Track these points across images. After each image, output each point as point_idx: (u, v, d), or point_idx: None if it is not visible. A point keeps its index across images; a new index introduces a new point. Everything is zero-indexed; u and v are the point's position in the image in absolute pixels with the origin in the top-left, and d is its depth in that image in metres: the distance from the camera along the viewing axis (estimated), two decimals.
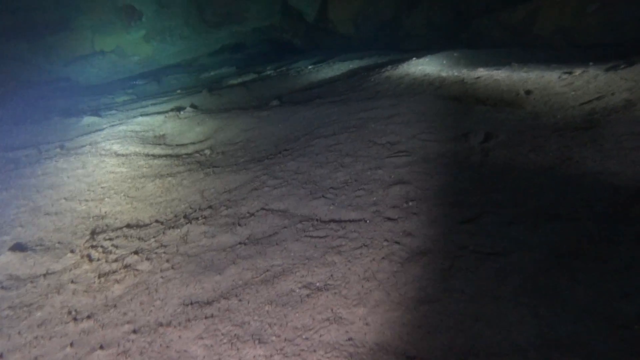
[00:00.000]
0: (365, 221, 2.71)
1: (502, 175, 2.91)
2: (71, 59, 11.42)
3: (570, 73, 4.30)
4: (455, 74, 5.53)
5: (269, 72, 10.58)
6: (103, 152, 4.69)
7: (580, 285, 1.82)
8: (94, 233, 2.89)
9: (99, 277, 2.34)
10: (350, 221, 2.75)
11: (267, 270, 2.34)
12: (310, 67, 9.72)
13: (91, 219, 3.14)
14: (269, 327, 1.89)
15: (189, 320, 1.93)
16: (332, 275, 2.22)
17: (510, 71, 5.07)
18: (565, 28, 5.58)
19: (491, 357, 1.61)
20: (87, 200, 3.45)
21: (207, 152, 4.80)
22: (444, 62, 6.52)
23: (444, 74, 5.66)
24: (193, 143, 5.21)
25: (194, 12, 11.71)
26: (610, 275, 1.82)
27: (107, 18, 10.97)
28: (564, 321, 1.68)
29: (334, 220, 2.79)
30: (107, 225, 3.03)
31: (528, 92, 4.29)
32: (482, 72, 5.23)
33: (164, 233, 2.85)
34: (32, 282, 2.37)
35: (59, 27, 10.62)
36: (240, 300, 2.08)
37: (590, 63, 4.55)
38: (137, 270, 2.39)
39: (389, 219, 2.69)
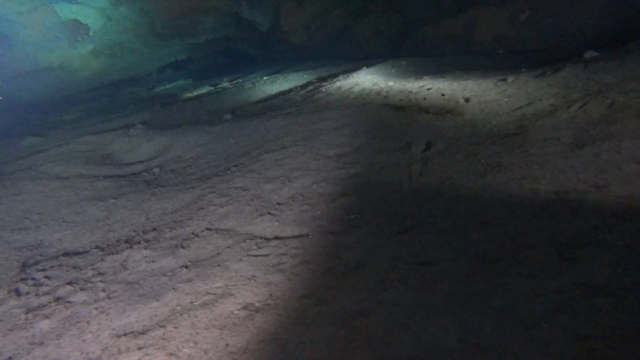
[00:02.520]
0: (308, 236, 2.75)
1: (439, 184, 3.03)
2: (13, 75, 10.89)
3: (504, 80, 4.54)
4: (402, 83, 5.71)
5: (224, 84, 10.51)
6: (43, 176, 4.50)
7: (499, 289, 1.92)
8: (25, 265, 2.77)
9: (26, 312, 2.24)
10: (293, 237, 2.78)
11: (208, 294, 2.32)
12: (265, 78, 9.74)
13: (24, 249, 3.00)
14: (204, 353, 1.87)
15: (120, 352, 1.89)
16: (271, 295, 2.24)
17: (452, 79, 5.28)
18: (501, 35, 5.90)
19: None
20: (21, 229, 3.29)
21: (156, 170, 4.70)
22: (393, 70, 6.71)
23: (391, 83, 5.83)
24: (141, 162, 5.09)
25: (145, 25, 11.47)
26: (526, 278, 1.94)
27: (50, 33, 10.55)
28: (483, 325, 1.77)
29: (277, 237, 2.81)
30: (41, 255, 2.91)
31: (467, 100, 4.50)
32: (426, 81, 5.42)
33: (102, 260, 2.77)
34: None
35: None
36: (176, 327, 2.05)
37: (523, 69, 4.83)
38: (69, 302, 2.31)
39: (331, 233, 2.74)
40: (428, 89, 5.04)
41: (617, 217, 2.10)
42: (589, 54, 4.48)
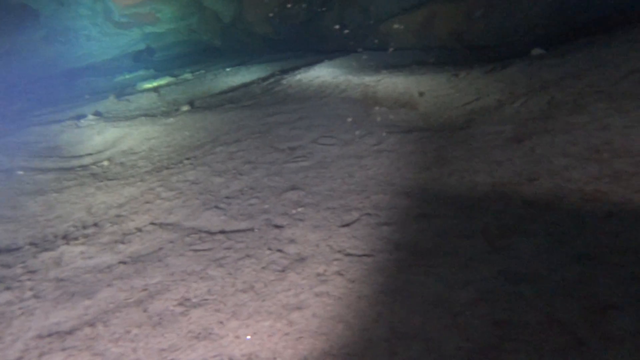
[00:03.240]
0: (254, 230, 2.72)
1: (386, 177, 3.06)
2: None
3: (456, 75, 4.63)
4: (361, 76, 5.73)
5: (186, 75, 10.23)
6: None
7: (432, 279, 1.97)
8: None
9: None
10: (238, 231, 2.74)
11: (144, 290, 2.26)
12: (228, 69, 9.54)
13: None
14: (132, 352, 1.82)
15: (42, 354, 1.81)
16: (209, 290, 2.20)
17: (409, 73, 5.35)
18: (457, 31, 6.02)
19: (347, 357, 1.68)
20: None
21: (105, 163, 4.53)
22: (353, 64, 6.73)
23: (350, 76, 5.84)
24: (90, 154, 4.89)
25: (101, 12, 10.98)
26: (458, 268, 1.99)
27: None
28: (413, 314, 1.80)
29: (222, 232, 2.76)
30: None
31: (421, 94, 4.56)
32: (384, 75, 5.47)
33: (34, 257, 2.64)
34: None
35: None
36: (106, 325, 1.98)
37: (475, 65, 4.95)
38: None
39: (277, 226, 2.72)
40: (384, 83, 5.08)
41: (542, 208, 2.19)
42: (536, 51, 4.63)
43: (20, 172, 4.11)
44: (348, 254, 2.31)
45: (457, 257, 2.07)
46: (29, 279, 2.38)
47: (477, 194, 2.54)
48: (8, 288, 2.30)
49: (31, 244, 2.88)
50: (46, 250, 2.72)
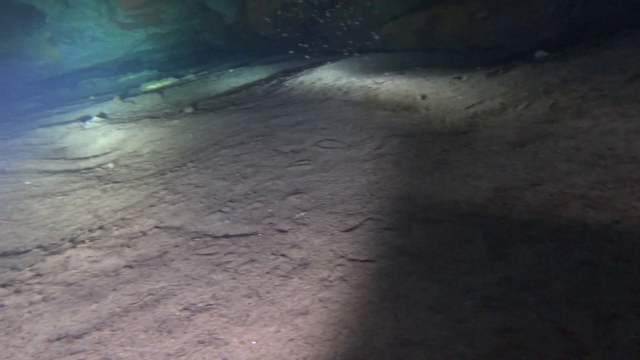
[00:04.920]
0: (257, 234, 2.74)
1: (388, 181, 3.08)
2: None
3: (459, 78, 4.64)
4: (363, 78, 5.74)
5: (189, 76, 10.26)
6: None
7: (435, 286, 1.98)
8: None
9: None
10: (242, 235, 2.76)
11: (150, 294, 2.28)
12: (231, 70, 9.57)
13: None
14: (140, 356, 1.85)
15: (52, 358, 1.84)
16: (214, 295, 2.22)
17: (411, 76, 5.36)
18: (460, 33, 6.02)
19: None
20: None
21: (110, 165, 4.56)
22: (356, 66, 6.74)
23: (353, 78, 5.85)
24: (95, 156, 4.93)
25: (106, 13, 11.03)
26: (460, 274, 2.01)
27: (3, 18, 9.99)
28: (417, 321, 1.82)
29: (226, 236, 2.79)
30: None
31: (424, 97, 4.57)
32: (386, 77, 5.48)
33: (43, 260, 2.67)
34: None
35: None
36: (113, 330, 2.01)
37: (478, 67, 4.95)
38: (0, 306, 2.22)
39: (280, 231, 2.74)
40: (387, 86, 5.09)
41: (546, 214, 2.20)
42: (539, 54, 4.63)
43: (28, 175, 4.15)
44: (351, 259, 2.32)
45: (460, 264, 2.09)
46: (37, 283, 2.41)
47: (479, 199, 2.55)
48: (18, 291, 2.34)
49: (39, 246, 2.92)
50: (54, 253, 2.75)
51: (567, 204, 2.25)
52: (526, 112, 3.49)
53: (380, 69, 6.13)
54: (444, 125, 3.91)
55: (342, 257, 2.36)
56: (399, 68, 5.95)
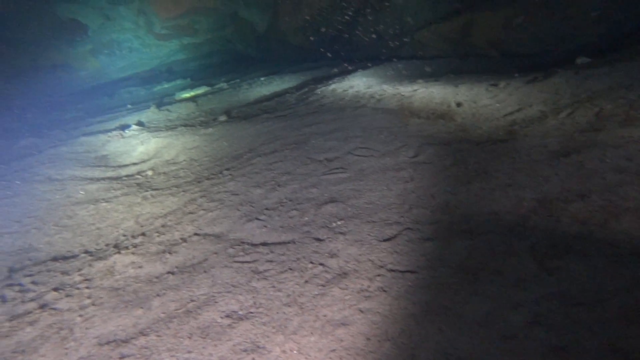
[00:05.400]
0: (295, 243, 2.76)
1: (426, 191, 3.04)
2: (12, 75, 10.90)
3: (496, 85, 4.54)
4: (396, 86, 5.71)
5: (221, 85, 10.49)
6: (37, 178, 4.52)
7: (480, 299, 1.94)
8: (12, 270, 2.79)
9: (10, 320, 2.26)
10: (280, 243, 2.79)
11: (192, 301, 2.34)
12: (262, 78, 9.73)
13: (13, 254, 3.02)
14: None
15: None
16: (255, 303, 2.25)
17: (446, 83, 5.29)
18: (495, 39, 5.90)
19: None
20: (11, 233, 3.31)
21: (149, 172, 4.71)
22: (388, 73, 6.72)
23: (385, 86, 5.84)
24: (135, 163, 5.10)
25: (143, 25, 11.48)
26: (506, 288, 1.95)
27: (50, 33, 10.56)
28: (463, 336, 1.78)
29: (264, 244, 2.82)
30: (29, 260, 2.93)
31: (459, 104, 4.50)
32: (419, 84, 5.43)
33: (90, 265, 2.79)
34: None
35: None
36: (159, 335, 2.07)
37: (515, 74, 4.83)
38: (54, 309, 2.33)
39: (317, 239, 2.75)
40: (420, 93, 5.05)
41: (596, 227, 2.11)
42: (580, 60, 4.48)
43: (74, 182, 4.34)
44: (391, 270, 2.30)
45: (505, 277, 2.03)
46: (86, 287, 2.51)
47: (523, 211, 2.48)
48: (69, 295, 2.44)
49: (86, 252, 3.04)
50: (100, 259, 2.86)
51: (619, 217, 2.16)
52: (569, 121, 3.38)
53: (413, 76, 6.08)
54: (481, 133, 3.84)
55: (381, 267, 2.34)
56: (432, 75, 5.89)
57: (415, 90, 5.24)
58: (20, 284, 2.60)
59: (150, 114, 7.63)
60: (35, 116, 9.60)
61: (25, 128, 8.01)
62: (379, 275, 2.28)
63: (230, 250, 2.79)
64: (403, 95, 5.18)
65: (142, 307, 2.30)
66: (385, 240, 2.57)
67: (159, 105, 8.43)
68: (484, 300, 1.91)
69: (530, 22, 5.51)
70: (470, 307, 1.90)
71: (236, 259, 2.69)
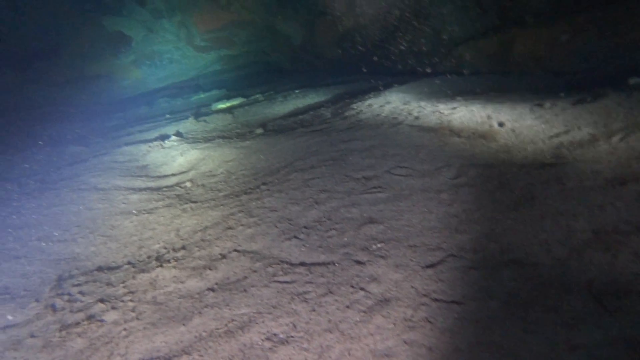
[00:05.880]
0: (334, 264, 2.74)
1: (469, 215, 2.96)
2: (60, 84, 11.49)
3: (540, 105, 4.40)
4: (434, 103, 5.63)
5: (257, 96, 10.66)
6: (83, 187, 4.70)
7: (533, 338, 1.85)
8: (61, 279, 2.89)
9: (60, 330, 2.33)
10: (319, 264, 2.77)
11: (233, 320, 2.34)
12: (297, 91, 9.82)
13: (62, 262, 3.14)
14: None
15: None
16: (295, 326, 2.23)
17: (486, 101, 5.17)
18: (539, 56, 5.74)
19: None
20: (60, 241, 3.45)
21: (188, 184, 4.82)
22: (425, 89, 6.64)
23: (423, 102, 5.76)
24: (174, 175, 5.23)
25: (183, 37, 11.88)
26: (562, 327, 1.85)
27: (97, 45, 11.09)
28: None
29: (303, 264, 2.81)
30: (77, 269, 3.03)
31: (501, 124, 4.38)
32: (459, 102, 5.33)
33: (133, 277, 2.85)
34: None
35: (48, 54, 10.72)
36: (201, 355, 2.08)
37: (561, 94, 4.66)
38: (101, 321, 2.39)
39: (358, 262, 2.71)
40: (460, 111, 4.95)
41: None
42: (633, 81, 4.28)
43: (117, 191, 4.49)
44: (435, 299, 2.24)
45: (560, 314, 1.93)
46: (130, 300, 2.57)
47: (576, 242, 2.36)
48: (114, 308, 2.51)
49: (129, 263, 3.12)
50: (143, 271, 2.93)
51: None
52: (622, 146, 3.21)
53: (451, 93, 5.98)
54: (526, 155, 3.71)
55: (425, 295, 2.28)
56: (472, 92, 5.78)
57: (455, 107, 5.14)
58: (69, 294, 2.69)
59: (188, 125, 7.83)
60: (80, 124, 10.07)
61: (70, 136, 8.40)
62: (423, 305, 2.22)
63: (270, 269, 2.79)
64: (442, 112, 5.10)
65: (184, 324, 2.33)
66: (428, 267, 2.50)
67: (197, 116, 8.65)
68: (539, 339, 1.82)
69: (577, 39, 5.33)
70: (523, 346, 1.81)
71: (275, 278, 2.68)
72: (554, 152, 3.57)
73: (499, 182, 3.31)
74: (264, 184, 4.32)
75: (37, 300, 2.66)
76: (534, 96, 4.90)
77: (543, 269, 2.23)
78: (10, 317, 2.53)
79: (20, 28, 10.40)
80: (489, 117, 4.61)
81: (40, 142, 7.61)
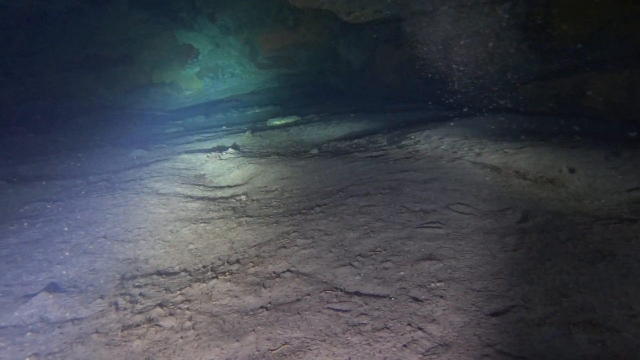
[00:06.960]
0: (390, 298, 2.66)
1: (537, 264, 2.79)
2: (129, 89, 12.27)
3: (618, 154, 4.14)
4: (498, 140, 5.47)
5: (312, 116, 10.83)
6: (146, 190, 4.93)
7: None
8: (123, 278, 3.00)
9: (122, 329, 2.41)
10: (374, 296, 2.71)
11: (286, 343, 2.32)
12: (352, 115, 9.90)
13: (124, 262, 3.27)
14: None
15: None
16: (350, 359, 2.17)
17: (555, 144, 4.94)
18: (615, 103, 5.44)
19: None
20: (123, 241, 3.61)
21: (243, 197, 4.92)
22: (487, 125, 6.47)
23: (485, 139, 5.61)
24: (230, 186, 5.37)
25: (247, 53, 12.39)
26: None
27: (166, 55, 11.80)
28: None
29: (358, 293, 2.76)
30: (137, 270, 3.15)
31: (572, 170, 4.16)
32: (524, 142, 5.14)
33: (190, 286, 2.92)
34: (60, 327, 2.48)
35: (121, 61, 11.52)
36: None
37: None
38: (159, 326, 2.45)
39: (415, 299, 2.63)
40: (527, 152, 4.76)
41: None
42: None
43: (177, 198, 4.66)
44: (501, 352, 2.11)
45: None
46: (187, 308, 2.62)
47: None
48: (172, 314, 2.56)
49: (185, 270, 3.20)
50: (199, 280, 2.99)
51: None
52: None
53: (516, 132, 5.79)
54: (600, 207, 3.49)
55: (489, 346, 2.15)
56: (539, 133, 5.56)
57: (520, 148, 4.95)
58: (130, 294, 2.79)
59: (244, 138, 8.07)
60: (142, 128, 10.66)
61: (131, 140, 8.89)
62: (487, 356, 2.09)
63: (323, 295, 2.76)
64: (506, 152, 4.92)
65: (238, 340, 2.34)
66: (492, 315, 2.37)
67: (253, 130, 8.91)
68: None
69: None
70: None
71: (329, 305, 2.64)
72: (634, 207, 3.33)
73: (570, 232, 3.12)
74: (318, 205, 4.33)
75: (101, 297, 2.78)
76: (609, 144, 4.63)
77: (628, 337, 2.05)
78: (79, 311, 2.65)
79: (96, 35, 11.28)
80: (558, 161, 4.40)
81: (106, 143, 8.12)
